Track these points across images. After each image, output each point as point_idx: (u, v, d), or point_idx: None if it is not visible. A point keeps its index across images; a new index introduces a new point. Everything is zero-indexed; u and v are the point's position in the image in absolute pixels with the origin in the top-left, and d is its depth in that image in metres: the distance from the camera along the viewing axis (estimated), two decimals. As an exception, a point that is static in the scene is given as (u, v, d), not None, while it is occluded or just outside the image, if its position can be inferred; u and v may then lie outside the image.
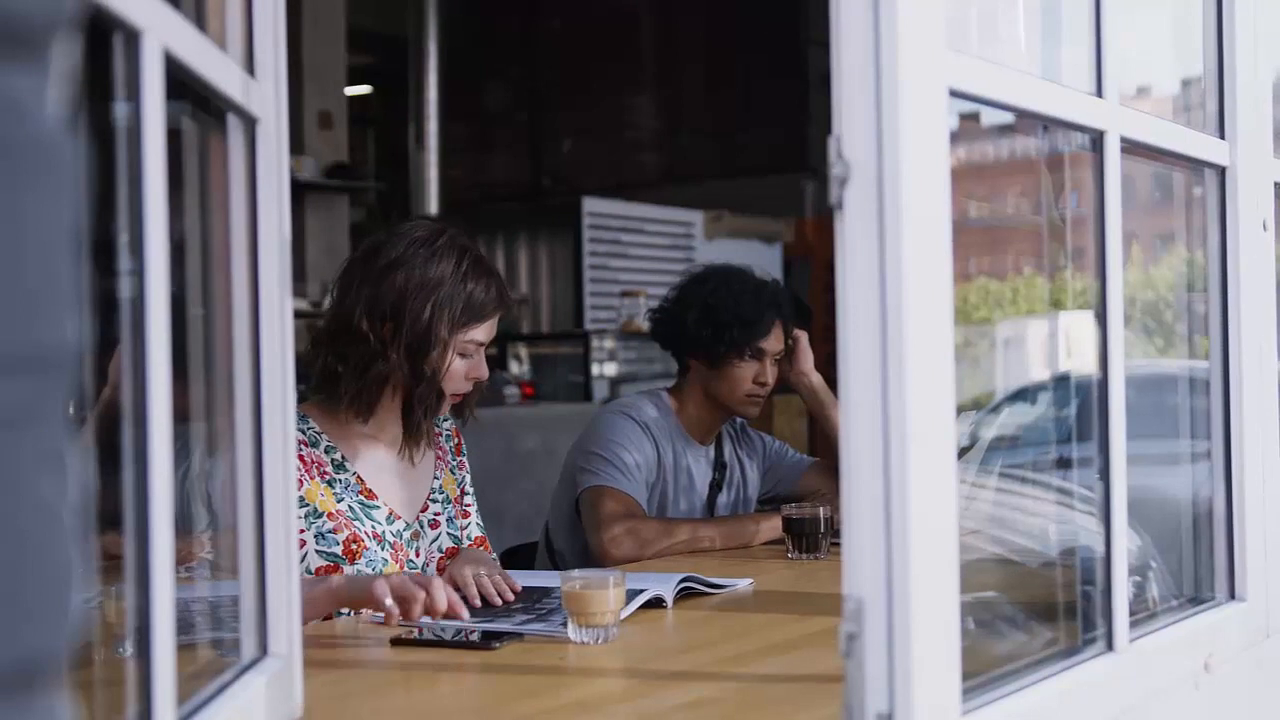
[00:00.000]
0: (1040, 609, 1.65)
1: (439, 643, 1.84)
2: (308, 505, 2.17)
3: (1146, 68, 1.93)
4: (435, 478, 2.39)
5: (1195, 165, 1.76)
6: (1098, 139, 1.46)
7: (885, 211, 1.10)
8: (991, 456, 1.96)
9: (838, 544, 2.31)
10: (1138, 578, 1.63)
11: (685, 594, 2.15)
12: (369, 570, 2.19)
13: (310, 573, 2.15)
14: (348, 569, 2.18)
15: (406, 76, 8.06)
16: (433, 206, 7.96)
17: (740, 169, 8.75)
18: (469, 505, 2.46)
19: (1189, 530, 1.85)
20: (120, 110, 0.93)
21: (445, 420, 2.44)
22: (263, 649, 1.31)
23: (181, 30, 1.03)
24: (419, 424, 2.27)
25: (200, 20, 1.18)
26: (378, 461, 2.30)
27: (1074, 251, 1.72)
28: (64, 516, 0.64)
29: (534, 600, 2.08)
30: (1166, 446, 1.87)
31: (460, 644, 1.83)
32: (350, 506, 2.22)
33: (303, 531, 2.16)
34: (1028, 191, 1.87)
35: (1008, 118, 1.46)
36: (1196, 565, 1.82)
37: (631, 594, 1.98)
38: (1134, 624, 1.49)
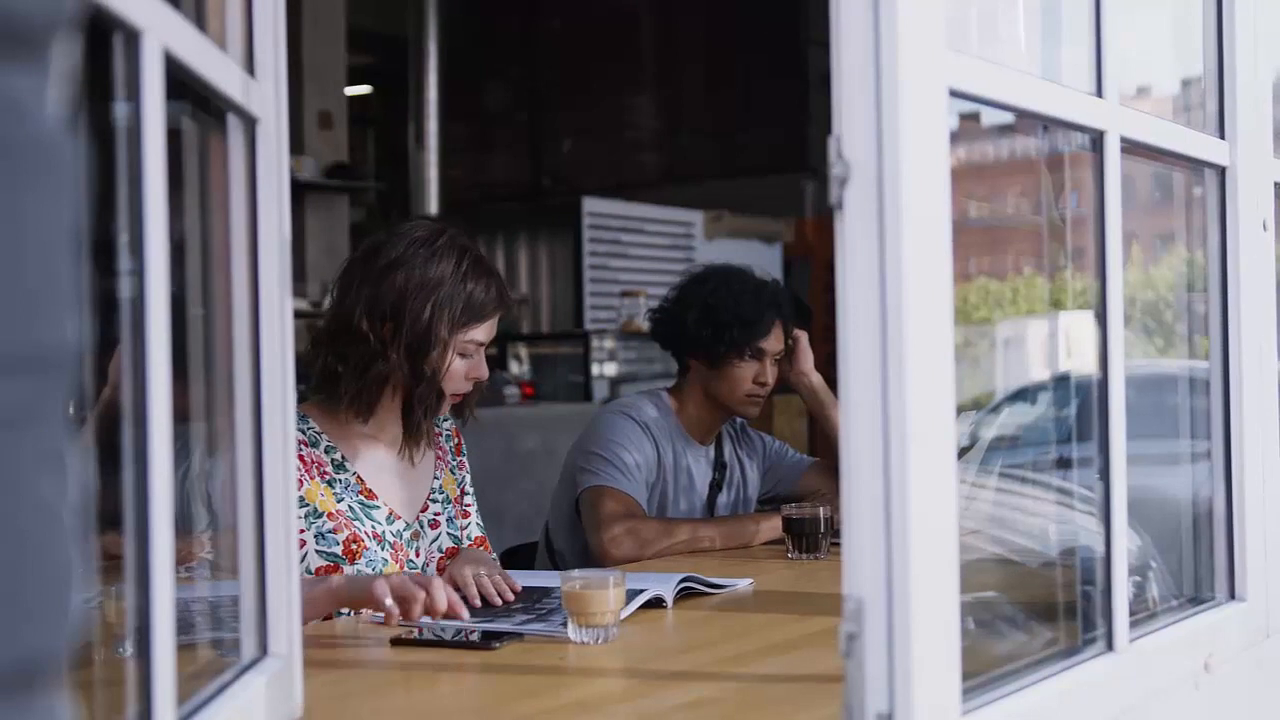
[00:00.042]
0: (1040, 609, 1.65)
1: (439, 643, 1.84)
2: (308, 505, 2.17)
3: (1146, 68, 1.93)
4: (435, 477, 2.39)
5: (1195, 165, 1.76)
6: (1098, 139, 1.46)
7: (885, 211, 1.10)
8: (991, 456, 1.96)
9: (838, 544, 2.31)
10: (1138, 578, 1.63)
11: (685, 594, 2.15)
12: (369, 570, 2.19)
13: (310, 573, 2.15)
14: (348, 569, 2.18)
15: (406, 76, 8.06)
16: (433, 206, 7.96)
17: (740, 169, 8.76)
18: (469, 505, 2.46)
19: (1189, 530, 1.85)
20: (120, 110, 0.93)
21: (445, 420, 2.44)
22: (263, 649, 1.31)
23: (181, 30, 1.03)
24: (419, 424, 2.27)
25: (200, 20, 1.18)
26: (378, 461, 2.30)
27: (1074, 251, 1.72)
28: (64, 516, 0.64)
29: (534, 600, 2.08)
30: (1166, 446, 1.87)
31: (460, 644, 1.83)
32: (350, 506, 2.22)
33: (303, 531, 2.16)
34: (1028, 191, 1.87)
35: (1008, 117, 1.46)
36: (1196, 565, 1.82)
37: (631, 594, 1.98)
38: (1134, 624, 1.49)
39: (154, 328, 0.94)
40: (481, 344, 2.28)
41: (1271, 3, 1.84)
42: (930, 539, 1.11)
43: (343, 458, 2.26)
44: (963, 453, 1.79)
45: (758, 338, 2.90)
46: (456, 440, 2.48)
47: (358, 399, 2.23)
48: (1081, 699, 1.39)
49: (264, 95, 1.30)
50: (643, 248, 7.79)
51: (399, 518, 2.29)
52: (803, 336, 3.05)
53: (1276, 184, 1.86)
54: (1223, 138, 1.76)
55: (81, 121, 0.67)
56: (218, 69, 1.16)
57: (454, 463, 2.45)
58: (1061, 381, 1.92)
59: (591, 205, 7.69)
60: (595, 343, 7.07)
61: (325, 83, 7.42)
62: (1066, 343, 1.82)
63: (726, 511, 3.01)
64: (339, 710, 1.54)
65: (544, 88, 9.65)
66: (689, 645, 1.92)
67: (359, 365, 2.21)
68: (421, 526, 2.33)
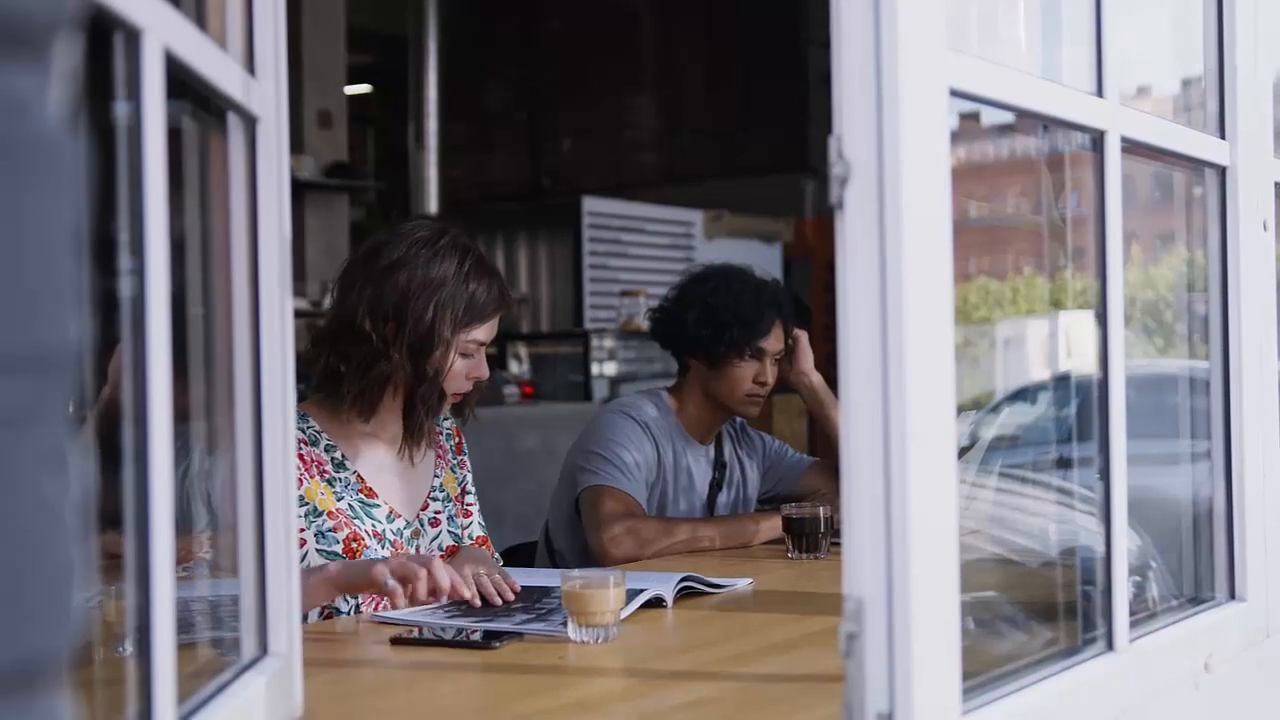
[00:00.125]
0: (1040, 609, 1.65)
1: (439, 642, 1.84)
2: (307, 504, 2.18)
3: (1147, 67, 1.93)
4: (435, 476, 2.39)
5: (1195, 165, 1.76)
6: (1098, 139, 1.46)
7: (885, 211, 1.10)
8: (991, 456, 1.96)
9: (838, 544, 2.31)
10: (1138, 577, 1.63)
11: (685, 593, 2.15)
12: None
13: (310, 571, 2.15)
14: (348, 568, 2.17)
15: (406, 76, 8.06)
16: (432, 206, 7.96)
17: (740, 169, 8.76)
18: (470, 504, 2.46)
19: (1189, 530, 1.85)
20: (121, 109, 0.93)
21: (445, 419, 2.44)
22: (263, 648, 1.31)
23: (182, 29, 1.03)
24: (420, 423, 2.27)
25: (201, 19, 1.18)
26: (378, 460, 2.30)
27: (1074, 251, 1.72)
28: (65, 516, 0.64)
29: (534, 600, 2.08)
30: (1166, 446, 1.87)
31: (460, 643, 1.83)
32: (350, 505, 2.23)
33: (303, 530, 2.16)
34: (1028, 191, 1.87)
35: (1008, 117, 1.46)
36: (1196, 565, 1.82)
37: (631, 594, 1.98)
38: (1134, 624, 1.49)
39: (154, 327, 0.94)
40: (483, 344, 2.29)
41: (1271, 2, 1.84)
42: (930, 539, 1.11)
43: (343, 456, 2.26)
44: (963, 453, 1.79)
45: (758, 337, 2.90)
46: (457, 439, 2.48)
47: (360, 398, 2.24)
48: (1081, 699, 1.39)
49: (264, 94, 1.30)
50: (643, 247, 7.79)
51: (399, 516, 2.29)
52: (803, 336, 3.05)
53: (1277, 184, 1.86)
54: (1223, 137, 1.76)
55: (82, 121, 0.67)
56: (218, 68, 1.16)
57: (454, 461, 2.45)
58: (1061, 381, 1.92)
59: (591, 205, 7.69)
60: (595, 342, 7.08)
61: (325, 82, 7.42)
62: (1066, 342, 1.82)
63: (726, 511, 3.01)
64: (339, 710, 1.54)
65: (544, 88, 9.65)
66: (689, 645, 1.92)
67: (361, 365, 2.21)
68: (422, 525, 2.33)
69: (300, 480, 2.17)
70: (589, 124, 9.45)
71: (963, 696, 1.17)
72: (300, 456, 2.18)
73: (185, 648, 1.03)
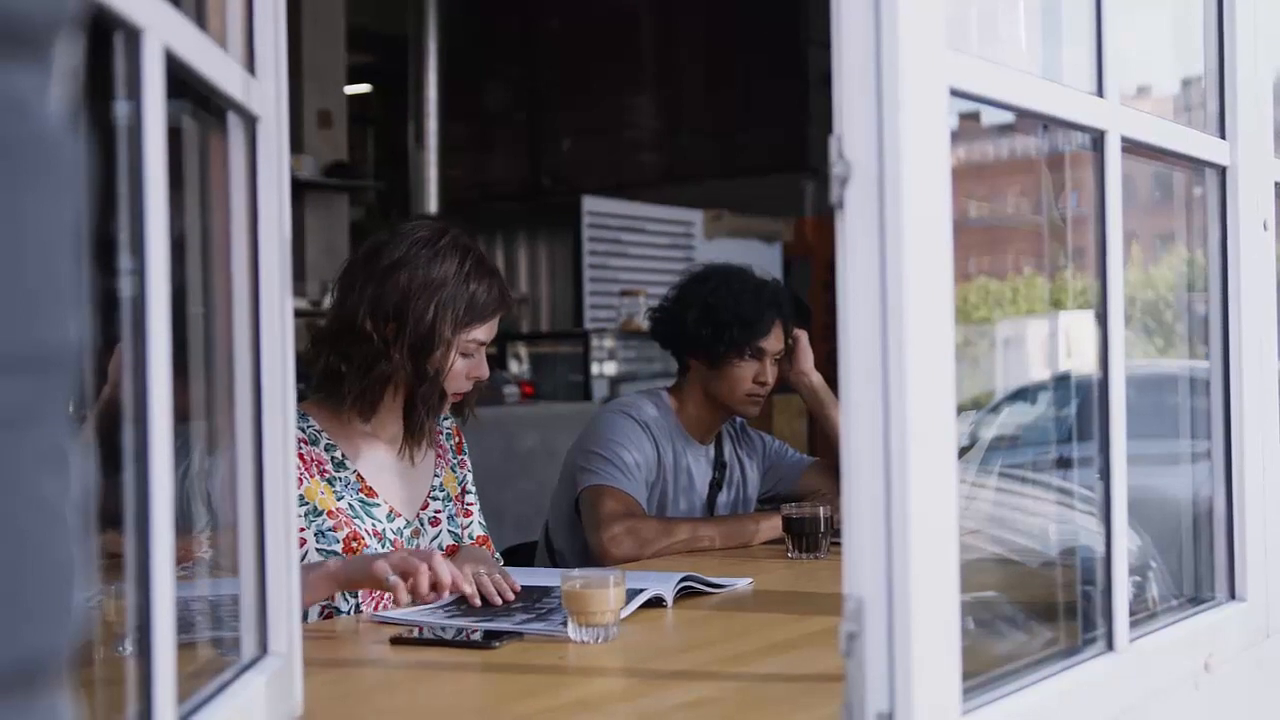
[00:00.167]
0: (1040, 609, 1.65)
1: (439, 642, 1.84)
2: (307, 504, 2.18)
3: (1147, 67, 1.93)
4: (435, 475, 2.39)
5: (1196, 165, 1.76)
6: (1098, 138, 1.46)
7: (886, 211, 1.10)
8: (991, 456, 1.96)
9: (838, 543, 2.31)
10: (1138, 577, 1.63)
11: (685, 593, 2.15)
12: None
13: (310, 572, 2.15)
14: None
15: (406, 76, 8.06)
16: (432, 206, 7.96)
17: (740, 169, 8.76)
18: (471, 504, 2.46)
19: (1189, 530, 1.85)
20: (121, 109, 0.93)
21: (446, 419, 2.44)
22: (263, 648, 1.31)
23: (182, 29, 1.03)
24: (421, 423, 2.28)
25: (201, 19, 1.18)
26: (378, 460, 2.30)
27: (1074, 251, 1.72)
28: (66, 515, 0.64)
29: (534, 599, 2.08)
30: (1166, 446, 1.87)
31: (460, 643, 1.83)
32: (350, 504, 2.23)
33: (303, 530, 2.16)
34: (1028, 191, 1.87)
35: (1008, 117, 1.46)
36: (1196, 565, 1.82)
37: (631, 593, 1.98)
38: (1134, 624, 1.49)
39: (154, 326, 0.94)
40: (483, 343, 2.29)
41: (1271, 2, 1.84)
42: (930, 539, 1.11)
43: (343, 456, 2.26)
44: (963, 452, 1.79)
45: (758, 337, 2.90)
46: (457, 439, 2.48)
47: (361, 398, 2.24)
48: (1081, 699, 1.39)
49: (264, 94, 1.30)
50: (642, 247, 7.79)
51: (399, 515, 2.29)
52: (803, 336, 3.05)
53: (1277, 184, 1.86)
54: (1223, 137, 1.76)
55: (82, 120, 0.67)
56: (218, 68, 1.16)
57: (454, 461, 2.45)
58: (1061, 381, 1.92)
59: (591, 205, 7.69)
60: (595, 342, 7.08)
61: (325, 81, 7.42)
62: (1066, 342, 1.82)
63: (726, 511, 3.01)
64: (339, 710, 1.54)
65: (544, 88, 9.65)
66: (689, 644, 1.92)
67: (362, 365, 2.21)
68: (422, 524, 2.33)
69: (300, 479, 2.17)
70: (589, 124, 9.44)
71: (963, 696, 1.17)
72: (300, 456, 2.18)
73: (185, 647, 1.03)
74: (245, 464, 1.31)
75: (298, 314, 1.52)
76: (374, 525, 2.24)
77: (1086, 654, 1.44)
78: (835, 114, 1.12)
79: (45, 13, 0.62)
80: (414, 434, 2.30)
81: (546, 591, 2.11)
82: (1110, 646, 1.45)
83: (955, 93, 1.17)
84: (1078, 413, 1.69)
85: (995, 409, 2.09)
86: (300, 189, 6.91)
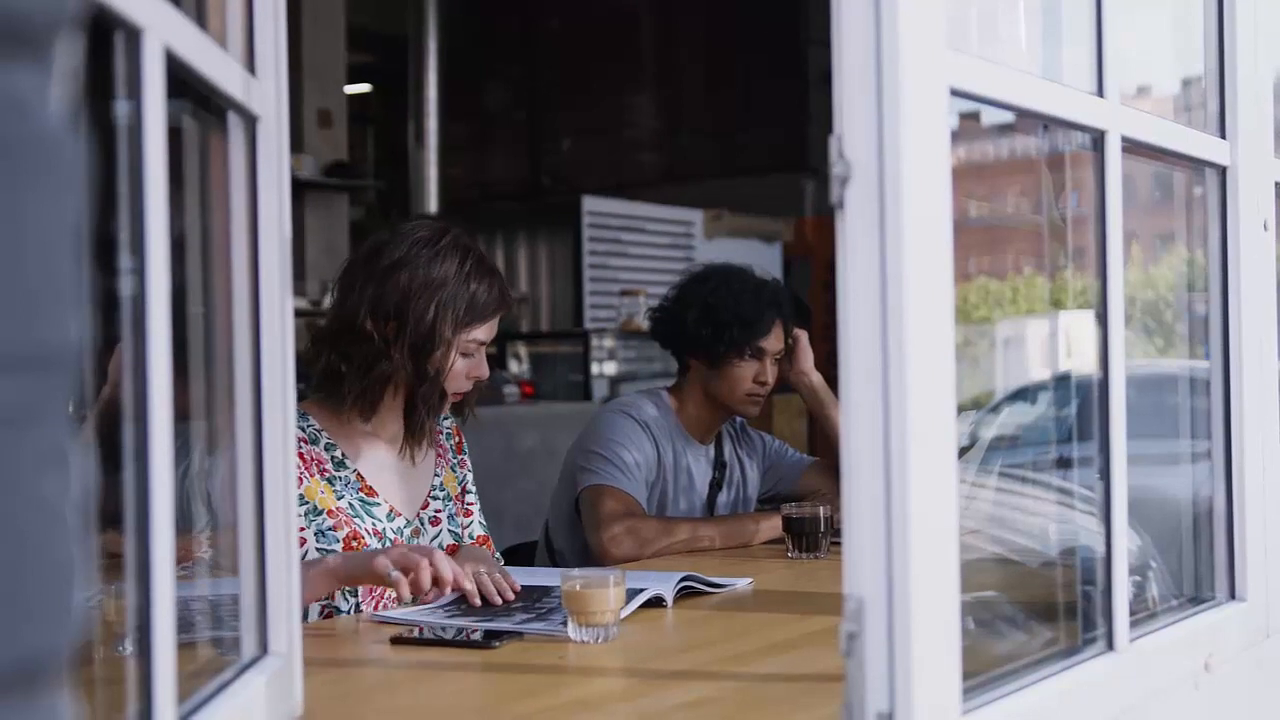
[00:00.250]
0: (1040, 609, 1.65)
1: (439, 642, 1.84)
2: (307, 503, 2.18)
3: (1147, 67, 1.93)
4: (436, 475, 2.39)
5: (1196, 165, 1.76)
6: (1098, 138, 1.46)
7: (886, 211, 1.10)
8: (991, 456, 1.96)
9: (838, 543, 2.31)
10: (1138, 577, 1.63)
11: (685, 593, 2.15)
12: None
13: (310, 571, 2.15)
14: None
15: (406, 75, 8.06)
16: (432, 205, 7.97)
17: (740, 169, 8.76)
18: (471, 504, 2.46)
19: (1189, 530, 1.85)
20: (121, 108, 0.93)
21: (446, 419, 2.44)
22: (263, 647, 1.31)
23: (182, 28, 1.03)
24: (422, 423, 2.28)
25: (201, 19, 1.18)
26: (378, 459, 2.30)
27: (1074, 251, 1.72)
28: (66, 515, 0.64)
29: (534, 599, 2.08)
30: (1167, 446, 1.87)
31: (460, 643, 1.83)
32: (350, 504, 2.23)
33: (303, 529, 2.16)
34: (1028, 191, 1.87)
35: (1008, 117, 1.46)
36: (1196, 565, 1.82)
37: (631, 593, 1.98)
38: (1134, 624, 1.49)
39: (154, 326, 0.94)
40: (483, 343, 2.29)
41: (1272, 2, 1.84)
42: (930, 538, 1.11)
43: (343, 455, 2.26)
44: (963, 452, 1.79)
45: (758, 337, 2.90)
46: (457, 439, 2.48)
47: (361, 398, 2.24)
48: (1081, 699, 1.39)
49: (264, 93, 1.30)
50: (642, 247, 7.79)
51: (399, 515, 2.29)
52: (803, 336, 3.04)
53: (1277, 184, 1.86)
54: (1223, 137, 1.76)
55: (83, 120, 0.67)
56: (218, 67, 1.16)
57: (455, 460, 2.45)
58: (1061, 381, 1.92)
59: (591, 204, 7.69)
60: (595, 342, 7.08)
61: (325, 81, 7.42)
62: (1066, 342, 1.82)
63: (726, 511, 3.01)
64: (339, 709, 1.54)
65: (544, 87, 9.65)
66: (689, 644, 1.92)
67: (363, 365, 2.22)
68: (422, 523, 2.33)
69: (300, 479, 2.17)
70: (589, 124, 9.45)
71: (963, 696, 1.17)
72: (300, 455, 2.18)
73: (185, 647, 1.03)
74: (245, 463, 1.31)
75: (298, 313, 1.52)
76: (374, 524, 2.24)
77: (1086, 654, 1.44)
78: (835, 114, 1.12)
79: (46, 12, 0.62)
80: (414, 434, 2.30)
81: (546, 591, 2.11)
82: (1110, 646, 1.45)
83: (955, 92, 1.17)
84: (1078, 413, 1.70)
85: (995, 409, 2.09)
86: (300, 188, 6.91)
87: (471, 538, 2.44)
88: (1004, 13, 1.75)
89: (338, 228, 7.57)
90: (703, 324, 2.89)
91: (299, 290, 6.59)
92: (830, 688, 1.32)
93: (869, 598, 1.10)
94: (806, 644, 1.86)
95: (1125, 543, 1.47)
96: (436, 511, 2.37)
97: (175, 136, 1.08)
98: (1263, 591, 1.78)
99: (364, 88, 9.76)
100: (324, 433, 2.26)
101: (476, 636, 1.85)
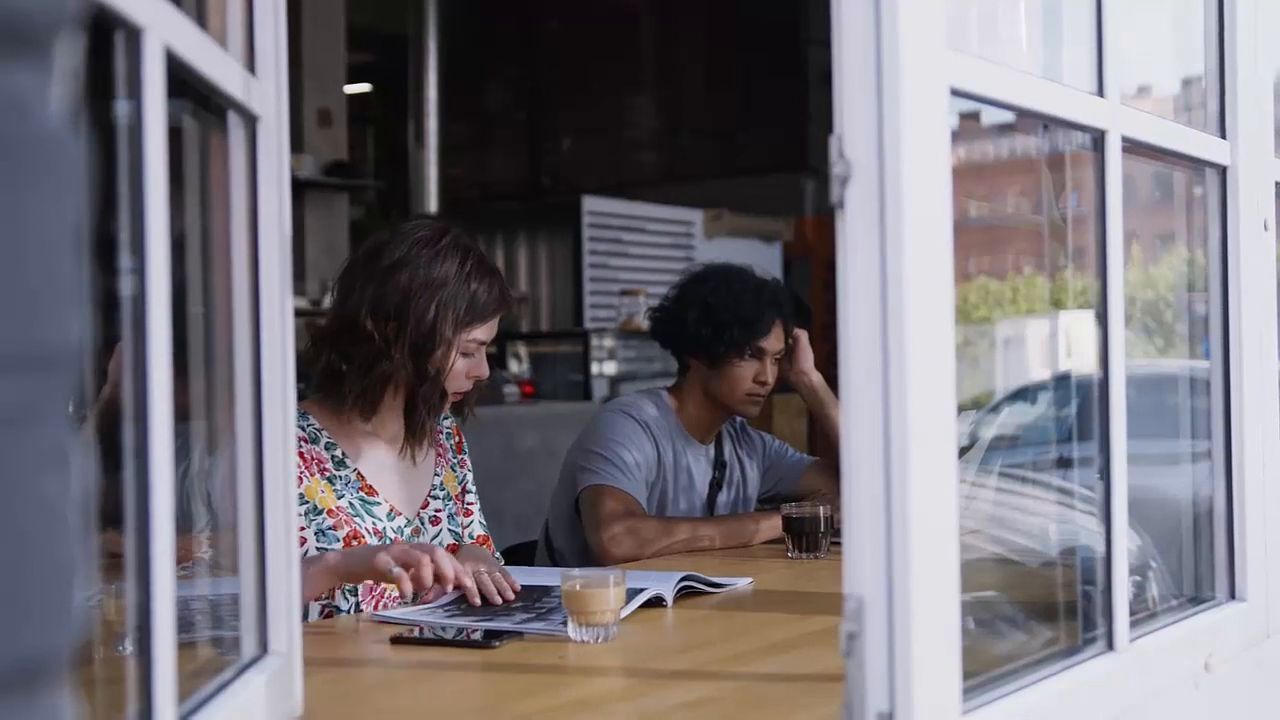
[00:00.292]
0: (1040, 608, 1.65)
1: (439, 642, 1.84)
2: (308, 502, 2.18)
3: (1147, 67, 1.93)
4: (436, 475, 2.39)
5: (1196, 165, 1.76)
6: (1099, 138, 1.46)
7: (886, 210, 1.10)
8: (991, 456, 1.96)
9: (838, 543, 2.31)
10: (1138, 577, 1.63)
11: (685, 593, 2.15)
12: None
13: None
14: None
15: (406, 75, 8.06)
16: (432, 205, 7.96)
17: (740, 168, 8.76)
18: (471, 504, 2.47)
19: (1189, 530, 1.85)
20: (122, 108, 0.93)
21: (445, 418, 2.44)
22: (263, 647, 1.31)
23: (183, 28, 1.03)
24: (423, 422, 2.28)
25: (201, 18, 1.18)
26: (378, 458, 2.30)
27: (1074, 251, 1.72)
28: (66, 515, 0.64)
29: (534, 599, 2.08)
30: (1167, 446, 1.87)
31: (460, 643, 1.83)
32: (351, 503, 2.23)
33: (303, 529, 2.16)
34: (1028, 191, 1.87)
35: (1008, 117, 1.46)
36: (1197, 565, 1.82)
37: (631, 593, 1.98)
38: (1134, 624, 1.49)
39: (155, 325, 0.94)
40: (483, 343, 2.30)
41: (1272, 2, 1.84)
42: (931, 538, 1.11)
43: (343, 454, 2.26)
44: (963, 452, 1.79)
45: (758, 337, 2.90)
46: (457, 439, 2.49)
47: (362, 398, 2.24)
48: (1082, 699, 1.39)
49: (265, 93, 1.30)
50: (642, 246, 7.79)
51: (400, 514, 2.29)
52: (803, 335, 3.04)
53: (1277, 183, 1.86)
54: (1224, 137, 1.76)
55: (83, 120, 0.67)
56: (219, 67, 1.16)
57: (455, 460, 2.46)
58: (1061, 381, 1.93)
59: (591, 204, 7.69)
60: (595, 341, 7.07)
61: (325, 81, 7.42)
62: (1066, 342, 1.82)
63: (726, 510, 3.01)
64: (339, 709, 1.54)
65: (544, 87, 9.65)
66: (689, 644, 1.92)
67: (363, 364, 2.22)
68: (422, 523, 2.33)
69: (300, 478, 2.17)
70: (589, 124, 9.45)
71: (963, 696, 1.17)
72: (300, 454, 2.18)
73: (185, 647, 1.03)
74: (245, 463, 1.31)
75: (297, 313, 1.52)
76: (374, 524, 2.24)
77: (1087, 654, 1.44)
78: (835, 113, 1.12)
79: (46, 12, 0.62)
80: (415, 433, 2.30)
81: (546, 591, 2.11)
82: (1110, 646, 1.45)
83: (956, 92, 1.18)
84: (1078, 412, 1.70)
85: (995, 409, 2.09)
86: (300, 188, 6.91)
87: (471, 537, 2.44)
88: (1004, 12, 1.75)
89: (338, 227, 7.57)
90: (703, 324, 2.89)
91: (299, 290, 6.59)
92: (830, 688, 1.32)
93: (869, 597, 1.10)
94: (806, 644, 1.86)
95: (1125, 542, 1.47)
96: (437, 511, 2.37)
97: (175, 136, 1.08)
98: (1263, 591, 1.78)
99: (364, 87, 9.76)
100: (324, 432, 2.26)
101: (476, 636, 1.85)
